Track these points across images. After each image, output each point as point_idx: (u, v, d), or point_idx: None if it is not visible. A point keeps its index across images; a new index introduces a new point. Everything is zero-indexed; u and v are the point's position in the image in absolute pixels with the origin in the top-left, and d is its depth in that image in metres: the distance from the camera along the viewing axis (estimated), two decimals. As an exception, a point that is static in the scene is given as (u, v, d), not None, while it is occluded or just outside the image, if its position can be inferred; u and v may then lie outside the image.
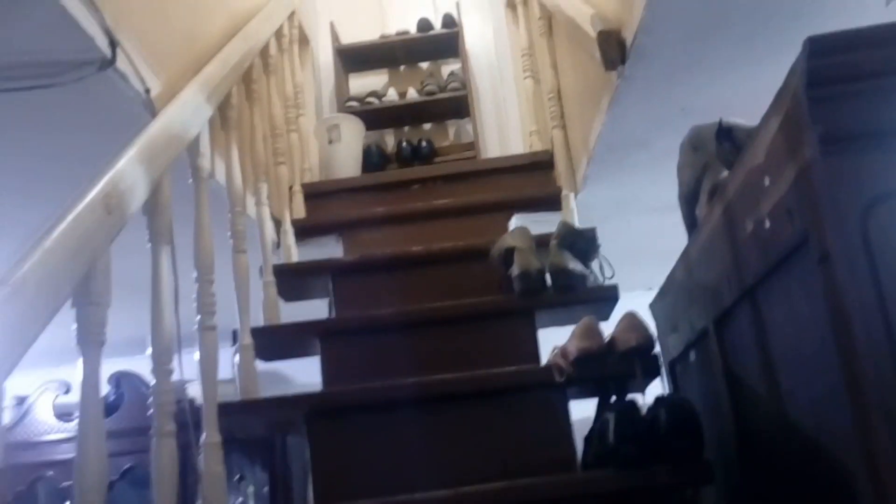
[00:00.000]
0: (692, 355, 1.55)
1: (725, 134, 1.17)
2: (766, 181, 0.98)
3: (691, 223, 1.42)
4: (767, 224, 0.99)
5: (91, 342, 0.99)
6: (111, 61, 1.21)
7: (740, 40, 1.46)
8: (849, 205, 0.83)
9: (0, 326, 0.80)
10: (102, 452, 0.96)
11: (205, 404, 1.37)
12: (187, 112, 1.36)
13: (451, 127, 3.40)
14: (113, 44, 1.21)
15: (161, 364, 1.19)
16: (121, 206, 1.06)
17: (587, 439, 1.53)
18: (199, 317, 1.40)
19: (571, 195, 2.11)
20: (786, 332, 1.04)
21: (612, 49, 1.40)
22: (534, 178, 2.27)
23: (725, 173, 1.21)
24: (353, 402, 1.50)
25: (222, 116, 1.67)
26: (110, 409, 2.88)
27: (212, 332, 1.41)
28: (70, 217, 0.96)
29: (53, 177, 1.52)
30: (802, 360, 0.99)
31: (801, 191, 0.88)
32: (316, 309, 2.04)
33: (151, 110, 1.35)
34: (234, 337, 1.68)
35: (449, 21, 3.30)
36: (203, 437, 1.37)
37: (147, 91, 1.35)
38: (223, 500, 1.32)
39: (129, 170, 1.12)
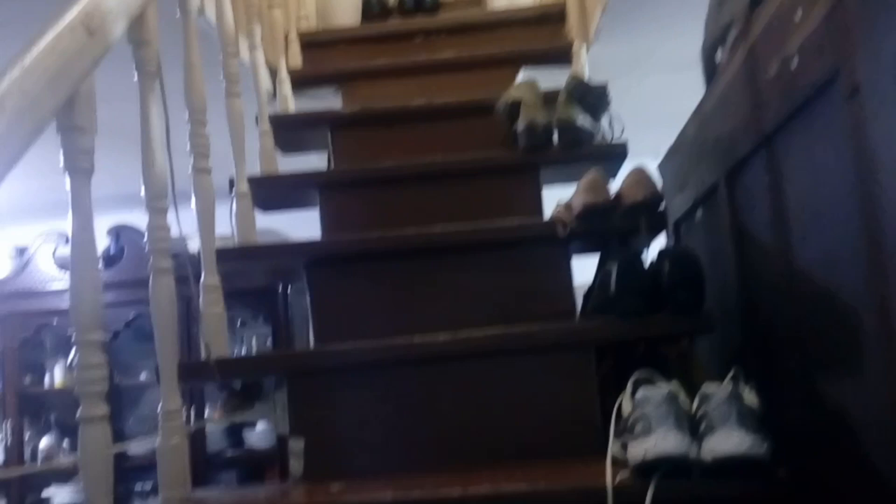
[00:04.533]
0: (699, 213, 1.52)
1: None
2: (798, 15, 0.91)
3: (711, 74, 1.35)
4: (795, 63, 0.93)
5: (78, 169, 0.95)
6: None
7: None
8: (885, 36, 0.76)
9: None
10: (96, 279, 0.95)
11: (202, 246, 1.35)
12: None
13: (458, -22, 3.21)
14: None
15: (154, 200, 1.16)
16: (103, 29, 0.99)
17: (586, 295, 1.53)
18: (192, 159, 1.36)
19: (583, 47, 2.00)
20: (803, 180, 1.00)
21: None
22: (544, 32, 2.16)
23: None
24: (353, 251, 1.48)
25: (212, -53, 1.55)
26: (111, 261, 2.91)
27: (206, 174, 1.37)
28: (50, 36, 0.89)
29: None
30: (817, 209, 0.96)
31: (835, 22, 0.81)
32: (314, 165, 1.99)
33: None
34: (231, 186, 1.64)
35: None
36: (202, 280, 1.36)
37: None
38: (224, 340, 1.33)
39: (111, -10, 1.03)
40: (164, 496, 1.12)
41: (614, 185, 1.51)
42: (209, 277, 1.36)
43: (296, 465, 1.23)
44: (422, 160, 1.70)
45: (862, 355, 0.86)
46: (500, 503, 1.02)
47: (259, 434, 2.83)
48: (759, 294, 1.20)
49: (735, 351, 1.33)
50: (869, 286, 0.81)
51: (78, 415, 0.96)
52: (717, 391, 1.00)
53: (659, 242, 1.56)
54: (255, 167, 1.71)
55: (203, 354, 1.27)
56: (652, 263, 1.30)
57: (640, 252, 1.34)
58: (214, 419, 2.90)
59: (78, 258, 0.96)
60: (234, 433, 2.91)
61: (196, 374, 1.21)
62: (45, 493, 2.97)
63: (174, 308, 1.19)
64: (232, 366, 1.22)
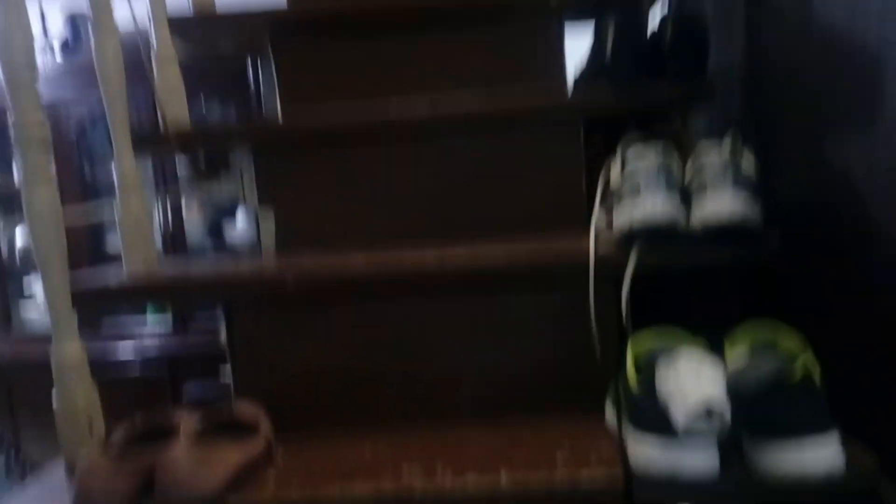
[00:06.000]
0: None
1: None
2: None
3: None
4: None
5: None
6: None
7: None
8: None
9: None
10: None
11: (152, 11, 1.21)
12: None
13: None
14: None
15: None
16: None
17: (577, 79, 1.42)
18: None
19: None
20: None
21: None
22: None
23: None
24: (322, 18, 1.33)
25: None
26: (70, 51, 2.71)
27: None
28: None
29: None
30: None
31: None
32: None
33: None
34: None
35: None
36: (154, 50, 1.24)
37: None
38: (183, 111, 1.24)
39: None
40: (128, 269, 1.07)
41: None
42: (161, 47, 1.24)
43: (267, 239, 1.18)
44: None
45: (881, 104, 0.78)
46: (478, 272, 0.98)
47: (240, 231, 2.81)
48: (768, 57, 1.09)
49: (733, 126, 1.25)
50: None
51: (19, 171, 0.88)
52: (713, 154, 0.93)
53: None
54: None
55: (161, 125, 1.18)
56: (653, 31, 1.18)
57: (642, 17, 1.21)
58: (192, 215, 2.86)
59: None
60: (215, 230, 2.88)
61: (152, 144, 1.12)
62: (26, 284, 3.00)
63: (121, 68, 1.07)
64: (190, 136, 1.12)
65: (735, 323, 0.86)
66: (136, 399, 2.61)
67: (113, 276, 1.02)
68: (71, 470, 0.90)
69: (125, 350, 2.76)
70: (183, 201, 2.75)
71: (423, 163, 1.18)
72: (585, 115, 1.18)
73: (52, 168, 0.89)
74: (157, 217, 2.77)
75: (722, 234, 0.89)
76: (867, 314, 0.84)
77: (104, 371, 2.67)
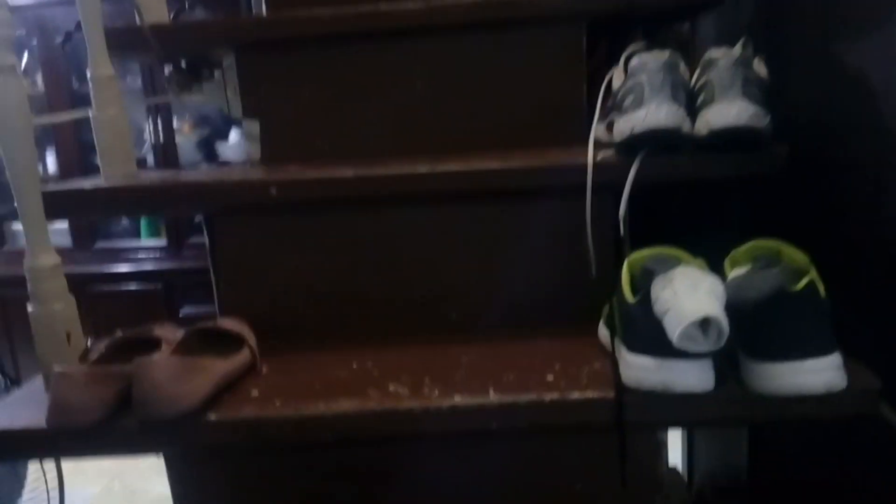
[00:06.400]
0: None
1: None
2: None
3: None
4: None
5: None
6: None
7: None
8: None
9: None
10: None
11: None
12: None
13: None
14: None
15: None
16: None
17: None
18: None
19: None
20: None
21: None
22: None
23: None
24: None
25: None
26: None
27: None
28: None
29: None
30: None
31: None
32: None
33: None
34: None
35: None
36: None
37: None
38: (162, 8, 1.16)
39: None
40: (105, 173, 1.02)
41: None
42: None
43: (253, 148, 1.13)
44: None
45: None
46: (472, 180, 0.93)
47: (232, 147, 2.75)
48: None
49: (744, 33, 1.18)
50: None
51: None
52: (723, 56, 0.87)
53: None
54: None
55: (139, 22, 1.11)
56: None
57: None
58: (183, 131, 2.79)
59: None
60: (207, 145, 2.82)
61: (127, 41, 1.05)
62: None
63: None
64: (170, 32, 1.06)
65: (737, 245, 0.83)
66: (130, 313, 2.61)
67: (89, 183, 0.98)
68: (48, 380, 0.88)
69: (120, 267, 2.74)
70: (174, 118, 2.68)
71: (416, 71, 1.12)
72: (588, 15, 1.10)
73: (21, 69, 0.83)
74: (149, 133, 2.70)
75: (728, 141, 0.84)
76: (879, 236, 0.79)
77: (98, 284, 2.65)
